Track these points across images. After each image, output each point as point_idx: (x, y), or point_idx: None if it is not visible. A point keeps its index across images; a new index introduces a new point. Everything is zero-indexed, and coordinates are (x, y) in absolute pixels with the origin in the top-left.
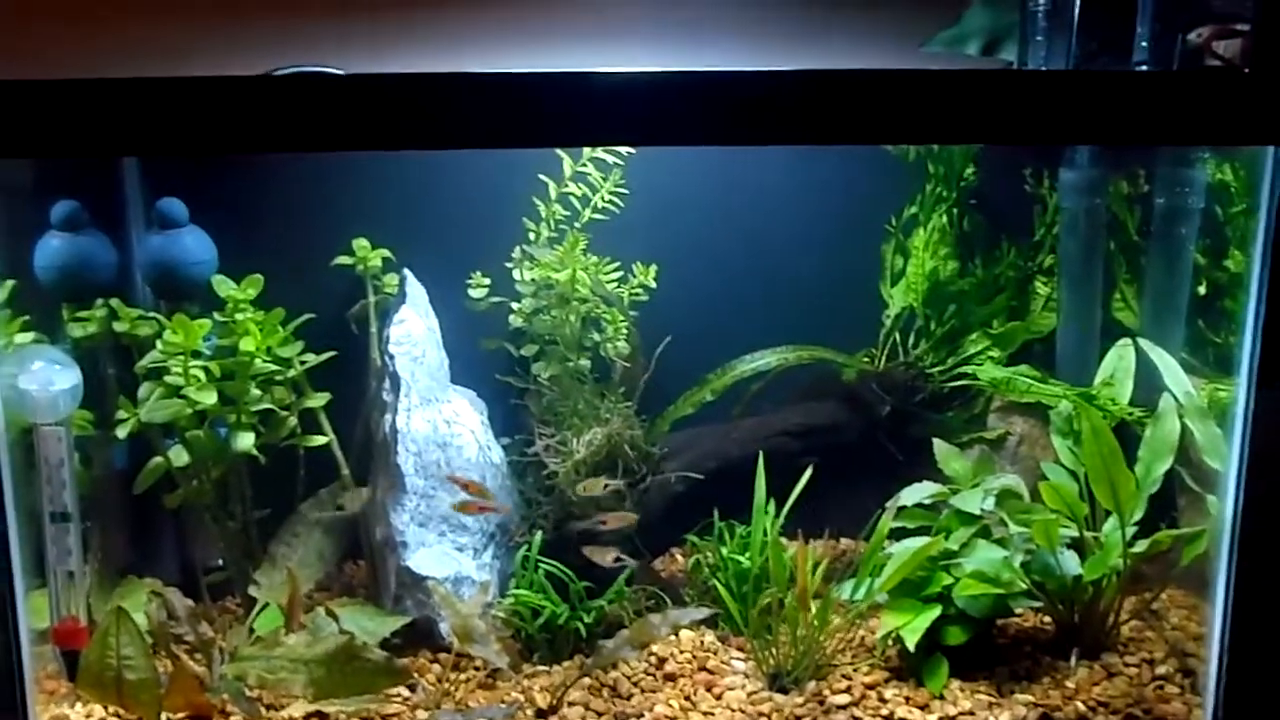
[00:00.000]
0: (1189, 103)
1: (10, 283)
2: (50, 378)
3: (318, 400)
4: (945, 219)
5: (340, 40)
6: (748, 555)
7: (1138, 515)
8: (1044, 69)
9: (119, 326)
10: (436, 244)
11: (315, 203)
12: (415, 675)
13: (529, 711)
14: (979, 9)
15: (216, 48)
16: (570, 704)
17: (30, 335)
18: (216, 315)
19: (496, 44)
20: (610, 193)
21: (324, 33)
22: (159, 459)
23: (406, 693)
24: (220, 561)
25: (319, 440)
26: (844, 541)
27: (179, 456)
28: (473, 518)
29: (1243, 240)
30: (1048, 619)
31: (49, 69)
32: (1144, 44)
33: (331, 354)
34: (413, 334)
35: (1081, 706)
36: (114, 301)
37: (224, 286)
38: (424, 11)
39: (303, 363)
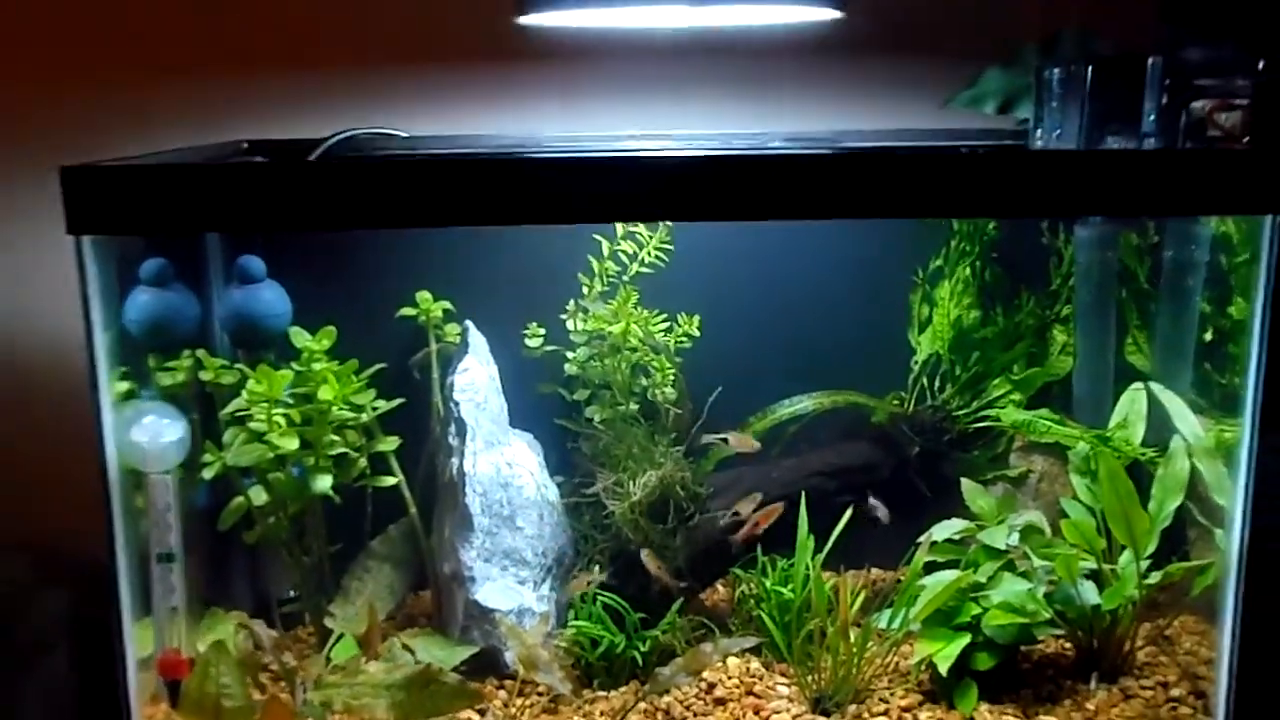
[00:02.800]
0: (1193, 177)
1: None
2: (160, 430)
3: (389, 444)
4: (969, 271)
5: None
6: (790, 587)
7: (1151, 549)
8: (1059, 132)
9: (204, 375)
10: (495, 296)
11: (381, 258)
12: (484, 700)
13: None
14: (996, 71)
15: (273, 107)
16: None
17: (125, 385)
18: (294, 365)
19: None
20: (656, 249)
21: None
22: (240, 499)
23: (476, 717)
24: (292, 593)
25: (390, 481)
26: (876, 572)
27: (258, 496)
28: (533, 552)
29: (1244, 289)
30: (1069, 645)
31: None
32: (1151, 117)
33: (400, 401)
34: (475, 381)
35: None
36: (200, 352)
37: (300, 338)
38: (441, 72)
39: (374, 409)
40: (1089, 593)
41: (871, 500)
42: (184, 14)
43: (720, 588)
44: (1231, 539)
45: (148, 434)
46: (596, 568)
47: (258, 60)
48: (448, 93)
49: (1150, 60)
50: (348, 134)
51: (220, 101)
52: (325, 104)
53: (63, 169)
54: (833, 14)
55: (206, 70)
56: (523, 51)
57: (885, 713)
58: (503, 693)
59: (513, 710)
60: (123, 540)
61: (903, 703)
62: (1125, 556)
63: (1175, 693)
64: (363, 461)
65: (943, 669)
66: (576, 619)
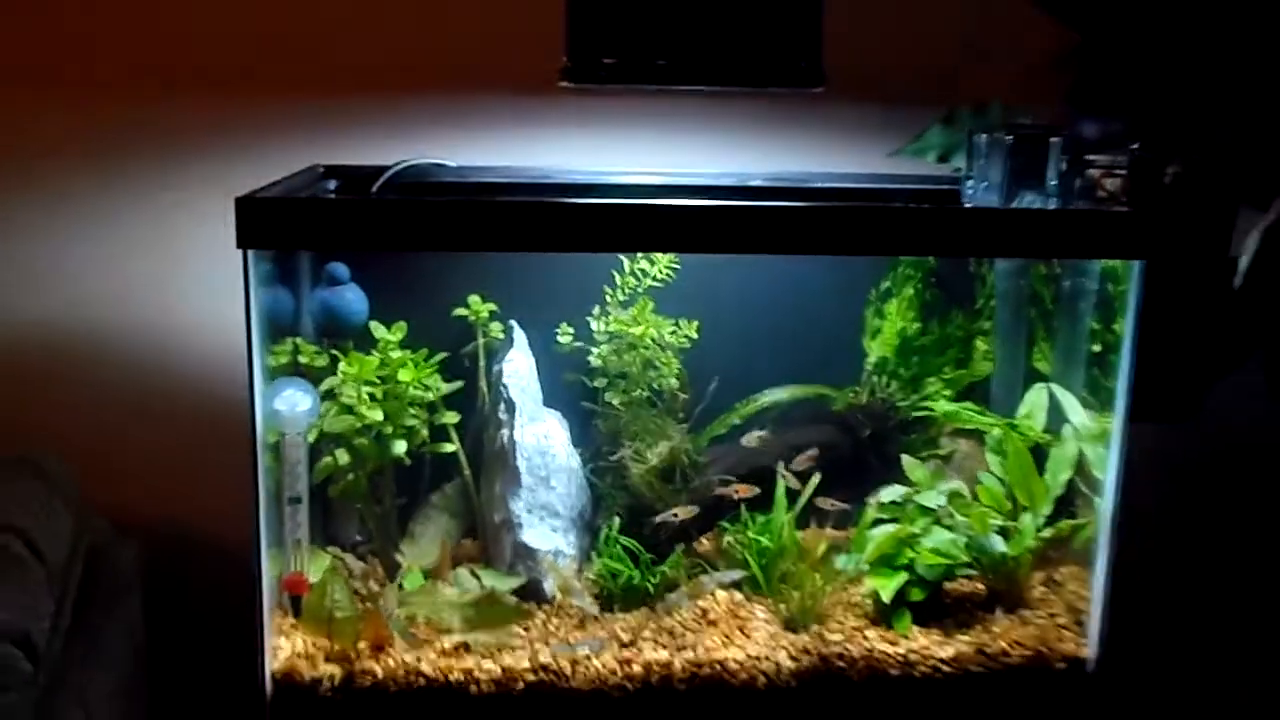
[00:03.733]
0: (1085, 230)
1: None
2: (296, 401)
3: (451, 418)
4: (912, 291)
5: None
6: (768, 536)
7: (1046, 511)
8: (985, 184)
9: (302, 359)
10: (535, 301)
11: (442, 267)
12: (531, 618)
13: (614, 644)
14: (937, 128)
15: (340, 135)
16: (643, 639)
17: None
18: (376, 352)
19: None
20: (665, 269)
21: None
22: (329, 459)
23: (522, 631)
24: (358, 538)
25: (450, 448)
26: (837, 530)
27: (342, 457)
28: (564, 506)
29: (1122, 312)
30: (981, 585)
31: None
32: (1054, 181)
33: (460, 383)
34: (519, 369)
35: (1004, 644)
36: (298, 340)
37: (379, 330)
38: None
39: (439, 390)
40: (997, 543)
41: (831, 501)
42: (267, 55)
43: (705, 541)
44: (1105, 504)
45: (286, 404)
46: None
47: (330, 94)
48: (484, 126)
49: (1052, 138)
50: (408, 163)
51: (299, 130)
52: (384, 133)
53: (237, 199)
54: (817, 90)
55: (285, 101)
56: (556, 98)
57: (840, 631)
58: (541, 614)
59: (553, 626)
60: (264, 487)
61: (853, 625)
62: (1026, 517)
63: (1061, 621)
64: (425, 431)
65: (885, 599)
66: (601, 558)
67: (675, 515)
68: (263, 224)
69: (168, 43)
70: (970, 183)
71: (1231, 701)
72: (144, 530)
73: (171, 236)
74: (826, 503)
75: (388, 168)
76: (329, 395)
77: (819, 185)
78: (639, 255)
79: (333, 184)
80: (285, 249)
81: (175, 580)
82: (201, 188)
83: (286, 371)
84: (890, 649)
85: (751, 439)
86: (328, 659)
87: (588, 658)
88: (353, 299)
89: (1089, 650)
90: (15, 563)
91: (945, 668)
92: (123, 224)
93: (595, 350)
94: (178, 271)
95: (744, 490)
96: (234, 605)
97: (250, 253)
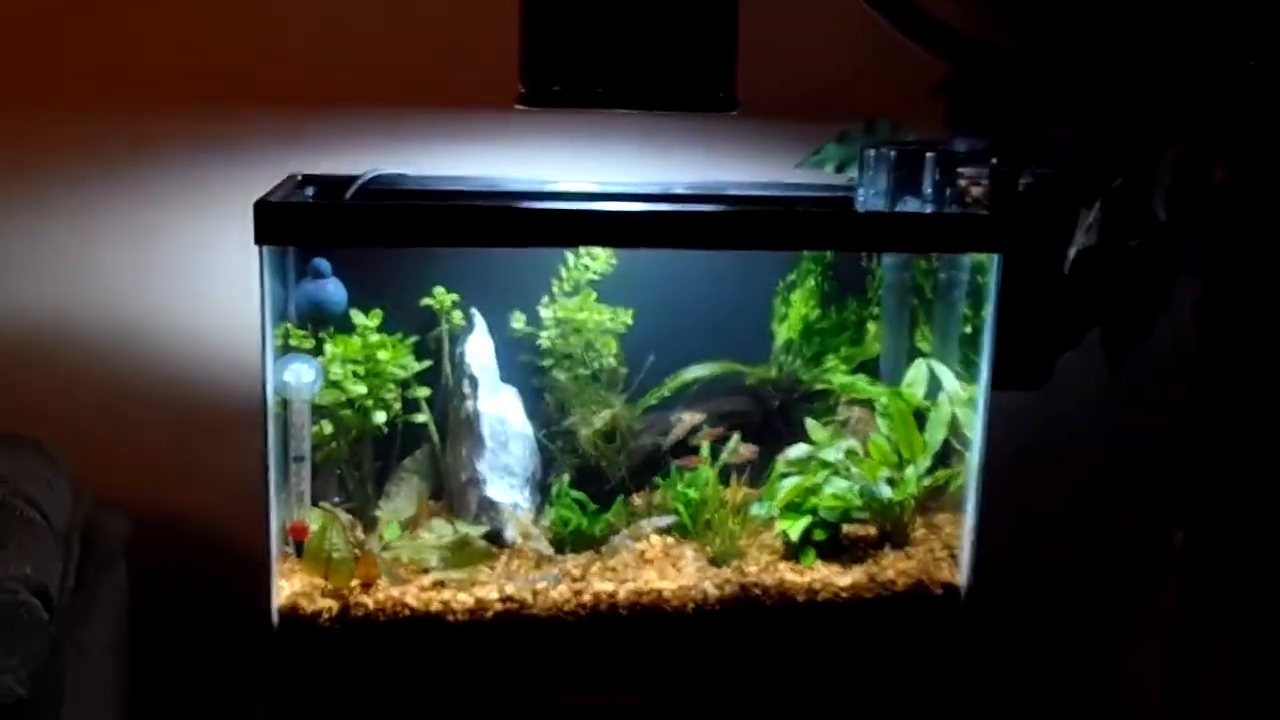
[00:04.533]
0: (954, 230)
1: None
2: (301, 374)
3: (423, 392)
4: (813, 283)
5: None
6: (694, 490)
7: (926, 464)
8: (874, 191)
9: (292, 342)
10: (492, 291)
11: (411, 262)
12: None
13: (568, 579)
14: (833, 144)
15: (307, 144)
16: (591, 574)
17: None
18: (357, 335)
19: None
20: (605, 263)
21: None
22: (315, 428)
23: (489, 570)
24: (337, 499)
25: (422, 418)
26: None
27: (326, 427)
28: (520, 467)
29: (986, 299)
30: (873, 527)
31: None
32: (929, 189)
33: (430, 363)
34: (480, 351)
35: (892, 574)
36: (288, 325)
37: (358, 317)
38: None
39: (412, 368)
40: (885, 490)
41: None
42: (244, 78)
43: (638, 499)
44: (972, 458)
45: (294, 376)
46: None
47: (300, 103)
48: (442, 140)
49: (929, 153)
50: (374, 173)
51: (270, 139)
52: (348, 143)
53: (255, 203)
54: (731, 113)
55: (260, 111)
56: (510, 117)
57: (757, 565)
58: (504, 555)
59: (515, 565)
60: (275, 448)
61: (767, 559)
62: (909, 468)
63: (938, 555)
64: (398, 405)
65: (793, 538)
66: (553, 508)
67: (681, 419)
68: (276, 224)
69: (165, 64)
70: (861, 190)
71: (1075, 617)
72: (129, 505)
73: (161, 233)
74: (735, 455)
75: (356, 177)
76: None
77: (733, 193)
78: (582, 251)
79: (310, 190)
80: (300, 245)
81: (158, 549)
82: (181, 192)
83: (279, 353)
84: (798, 579)
85: (683, 425)
86: (324, 595)
87: (546, 590)
88: (334, 290)
89: (961, 578)
90: (31, 526)
91: (844, 594)
92: (116, 223)
93: (544, 334)
94: (151, 262)
95: (696, 461)
96: (215, 571)
97: (264, 248)
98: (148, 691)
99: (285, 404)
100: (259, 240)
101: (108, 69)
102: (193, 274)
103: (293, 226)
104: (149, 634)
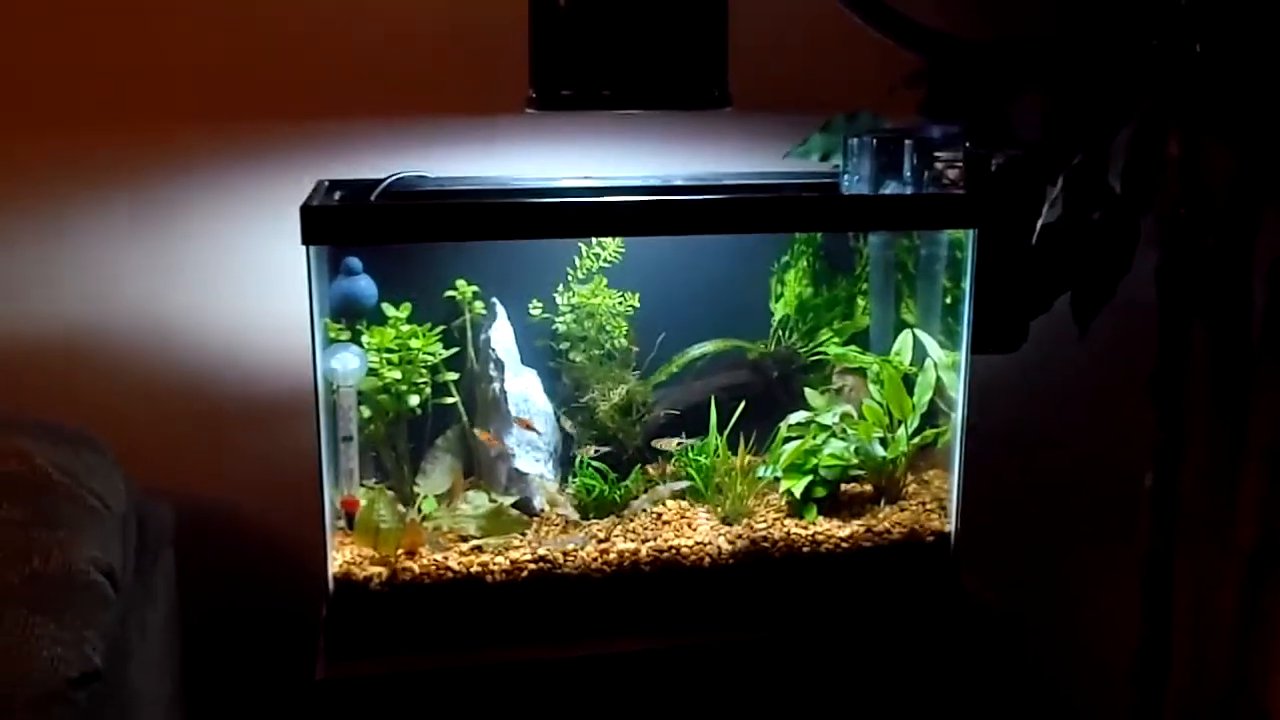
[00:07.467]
0: (933, 208)
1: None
2: (348, 361)
3: (451, 376)
4: (805, 262)
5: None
6: (705, 456)
7: (915, 424)
8: (858, 178)
9: (331, 334)
10: (511, 281)
11: (436, 257)
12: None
13: (594, 540)
14: (818, 135)
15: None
16: (615, 536)
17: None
18: (390, 326)
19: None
20: (614, 251)
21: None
22: (354, 412)
23: (521, 535)
24: (374, 480)
25: (450, 400)
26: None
27: (364, 412)
28: (544, 442)
29: (964, 272)
30: (868, 485)
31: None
32: (908, 173)
33: (456, 350)
34: (503, 337)
35: (887, 525)
36: (326, 320)
37: (389, 310)
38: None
39: (439, 355)
40: (879, 450)
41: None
42: (266, 85)
43: (650, 470)
44: (956, 418)
45: (342, 364)
46: (592, 447)
47: (319, 113)
48: (458, 143)
49: (908, 140)
50: (397, 176)
51: (295, 146)
52: (366, 149)
53: (301, 207)
54: (725, 109)
55: (284, 120)
56: (521, 120)
57: (764, 521)
58: (535, 522)
59: (544, 530)
60: (326, 429)
61: (774, 516)
62: (900, 429)
63: (929, 508)
64: (428, 390)
65: (796, 495)
66: (577, 478)
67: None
68: (321, 226)
69: (192, 74)
70: (846, 176)
71: (1056, 559)
72: (173, 497)
73: (195, 237)
74: (670, 444)
75: (380, 180)
76: None
77: (730, 182)
78: (593, 241)
79: (338, 194)
80: (343, 245)
81: (201, 536)
82: (211, 197)
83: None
84: (802, 532)
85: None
86: (373, 562)
87: (575, 551)
88: (365, 286)
89: (950, 527)
90: (95, 514)
91: (843, 544)
92: (153, 231)
93: (560, 319)
94: (185, 263)
95: (666, 443)
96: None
97: (311, 249)
98: (198, 667)
99: (333, 390)
100: (306, 241)
101: (141, 90)
102: (223, 274)
103: (336, 227)
104: (197, 613)
